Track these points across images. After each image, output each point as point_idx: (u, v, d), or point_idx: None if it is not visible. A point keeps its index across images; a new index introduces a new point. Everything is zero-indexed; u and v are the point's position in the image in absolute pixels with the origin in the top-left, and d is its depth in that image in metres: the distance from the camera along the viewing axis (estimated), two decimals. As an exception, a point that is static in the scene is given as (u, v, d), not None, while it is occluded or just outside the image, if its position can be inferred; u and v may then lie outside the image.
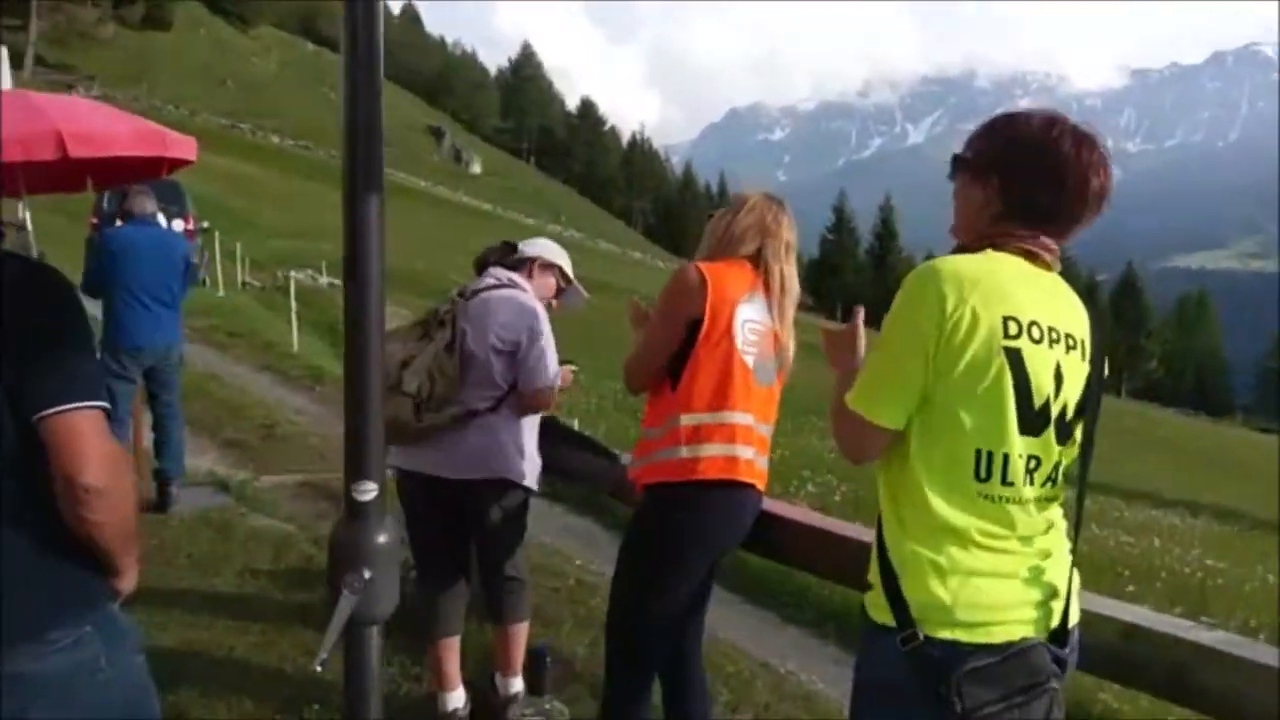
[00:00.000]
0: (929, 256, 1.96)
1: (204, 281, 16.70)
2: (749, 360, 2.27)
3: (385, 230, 1.24)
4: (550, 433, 3.06)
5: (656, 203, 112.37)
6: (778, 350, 2.34)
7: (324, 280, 19.89)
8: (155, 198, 5.51)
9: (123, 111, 5.51)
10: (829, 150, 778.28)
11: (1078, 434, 1.54)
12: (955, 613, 1.44)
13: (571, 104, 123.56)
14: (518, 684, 3.06)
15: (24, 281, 1.47)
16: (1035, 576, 1.50)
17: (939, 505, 1.47)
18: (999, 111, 1.67)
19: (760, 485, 2.34)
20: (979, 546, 1.47)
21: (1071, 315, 1.53)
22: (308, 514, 5.44)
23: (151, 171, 5.70)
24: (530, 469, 2.89)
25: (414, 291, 14.88)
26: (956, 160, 1.61)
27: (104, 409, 1.47)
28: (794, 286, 2.37)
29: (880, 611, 1.52)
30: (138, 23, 62.79)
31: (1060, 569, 1.53)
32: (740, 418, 2.25)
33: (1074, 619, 1.55)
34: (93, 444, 1.42)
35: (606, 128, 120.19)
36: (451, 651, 2.95)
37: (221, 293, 16.30)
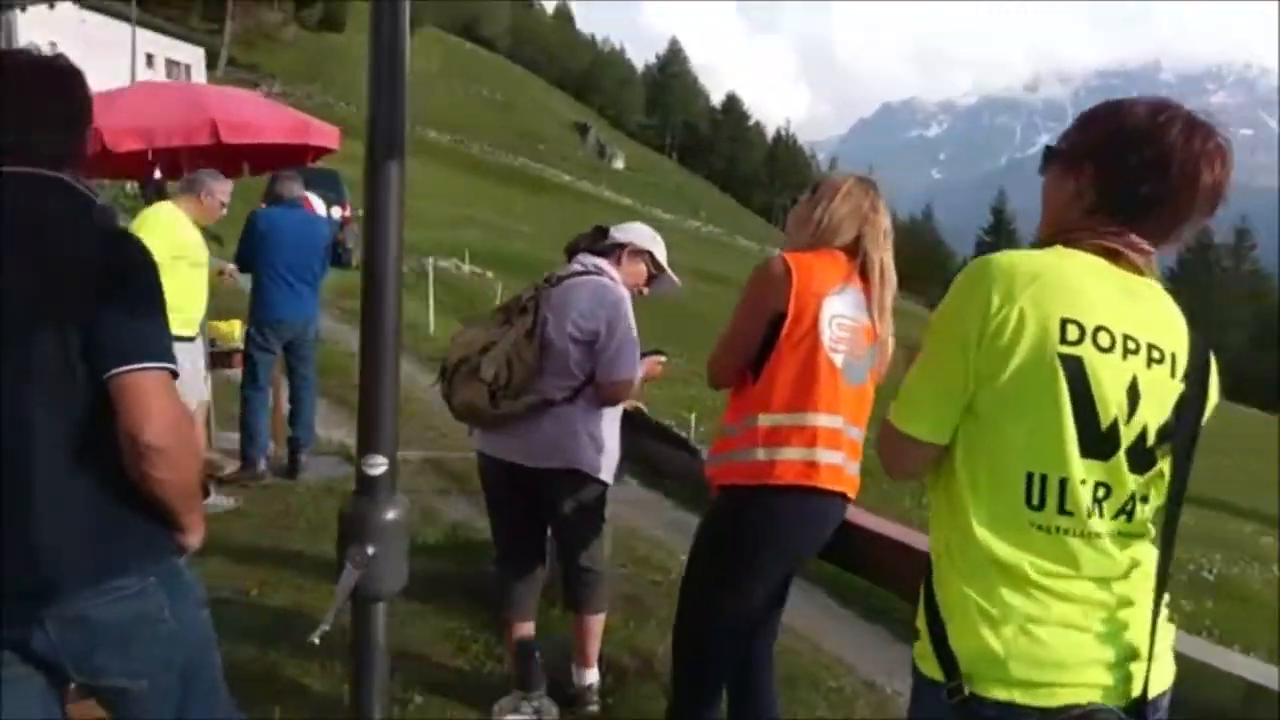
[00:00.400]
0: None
1: (356, 266, 17.67)
2: (837, 359, 2.13)
3: (404, 214, 1.23)
4: (631, 425, 3.04)
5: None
6: (873, 346, 2.20)
7: (466, 268, 20.69)
8: (305, 184, 5.78)
9: (273, 103, 5.92)
10: (990, 147, 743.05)
11: (1164, 464, 1.31)
12: (1010, 667, 1.25)
13: (717, 100, 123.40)
14: (592, 675, 3.05)
15: (106, 245, 1.55)
16: (1112, 630, 1.29)
17: (985, 536, 1.28)
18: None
19: (849, 492, 2.21)
20: (1037, 588, 1.27)
21: (1160, 324, 1.32)
22: (427, 489, 5.64)
23: (299, 158, 6.10)
24: (606, 461, 2.86)
25: (546, 281, 15.20)
26: (1048, 152, 1.42)
27: (171, 370, 1.51)
28: (893, 277, 2.24)
29: (927, 663, 1.35)
30: (315, 25, 67.22)
31: (1143, 621, 1.29)
32: (824, 420, 2.13)
33: (1160, 685, 1.31)
34: (157, 403, 1.47)
35: (751, 123, 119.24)
36: (527, 635, 2.97)
37: (371, 277, 17.16)
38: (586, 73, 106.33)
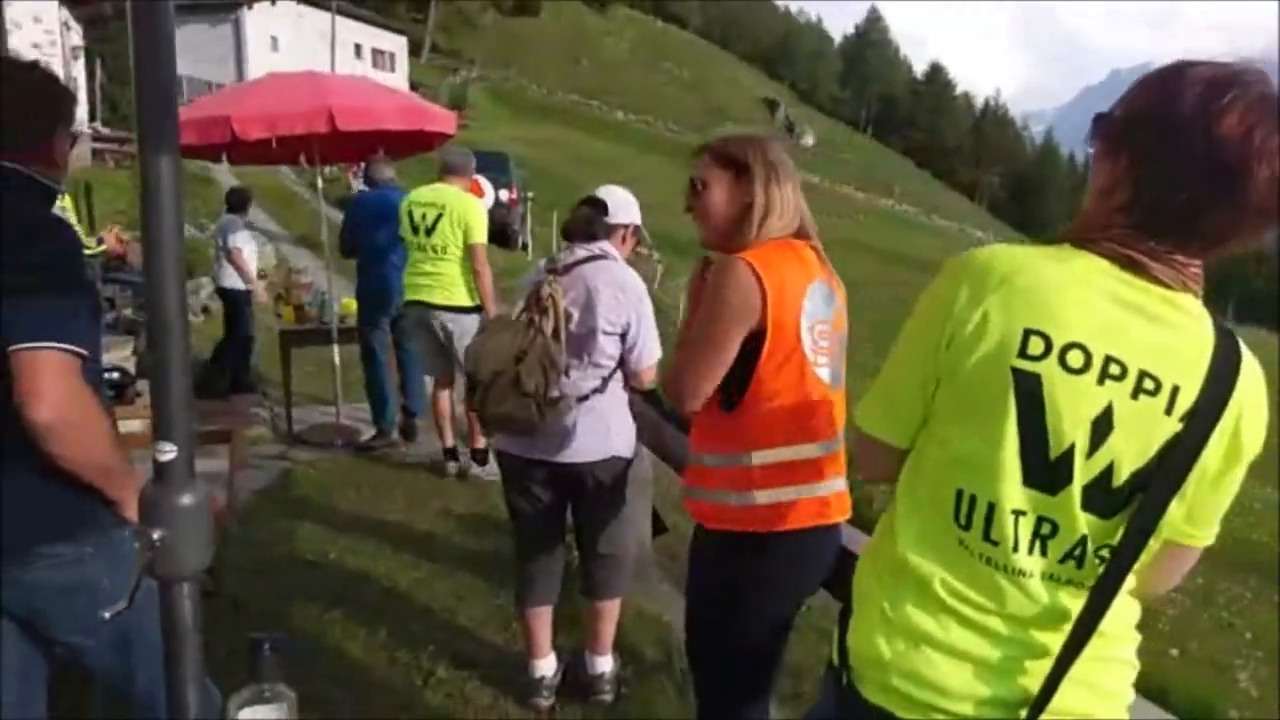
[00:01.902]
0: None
1: (523, 246, 18.36)
2: (823, 373, 1.87)
3: (181, 193, 1.21)
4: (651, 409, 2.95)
5: (1007, 176, 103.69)
6: (842, 336, 1.95)
7: (640, 249, 20.97)
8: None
9: (392, 90, 6.18)
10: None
11: (1135, 513, 1.12)
12: (891, 677, 1.20)
13: (919, 69, 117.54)
14: (606, 663, 3.02)
15: (21, 221, 1.64)
16: (1012, 672, 1.16)
17: (906, 543, 1.21)
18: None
19: (847, 513, 2.00)
20: (943, 609, 1.17)
21: (1168, 351, 1.09)
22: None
23: (425, 143, 6.36)
24: (631, 439, 2.86)
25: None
26: (1097, 120, 1.17)
27: (73, 351, 1.57)
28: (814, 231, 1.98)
29: (834, 646, 1.33)
30: (511, 9, 69.95)
31: (1056, 676, 1.13)
32: (827, 447, 1.91)
33: None
34: (49, 382, 1.53)
35: (956, 94, 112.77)
36: (543, 620, 2.98)
37: (531, 256, 17.80)
38: (778, 46, 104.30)
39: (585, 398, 2.74)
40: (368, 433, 5.88)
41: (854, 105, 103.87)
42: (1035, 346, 1.08)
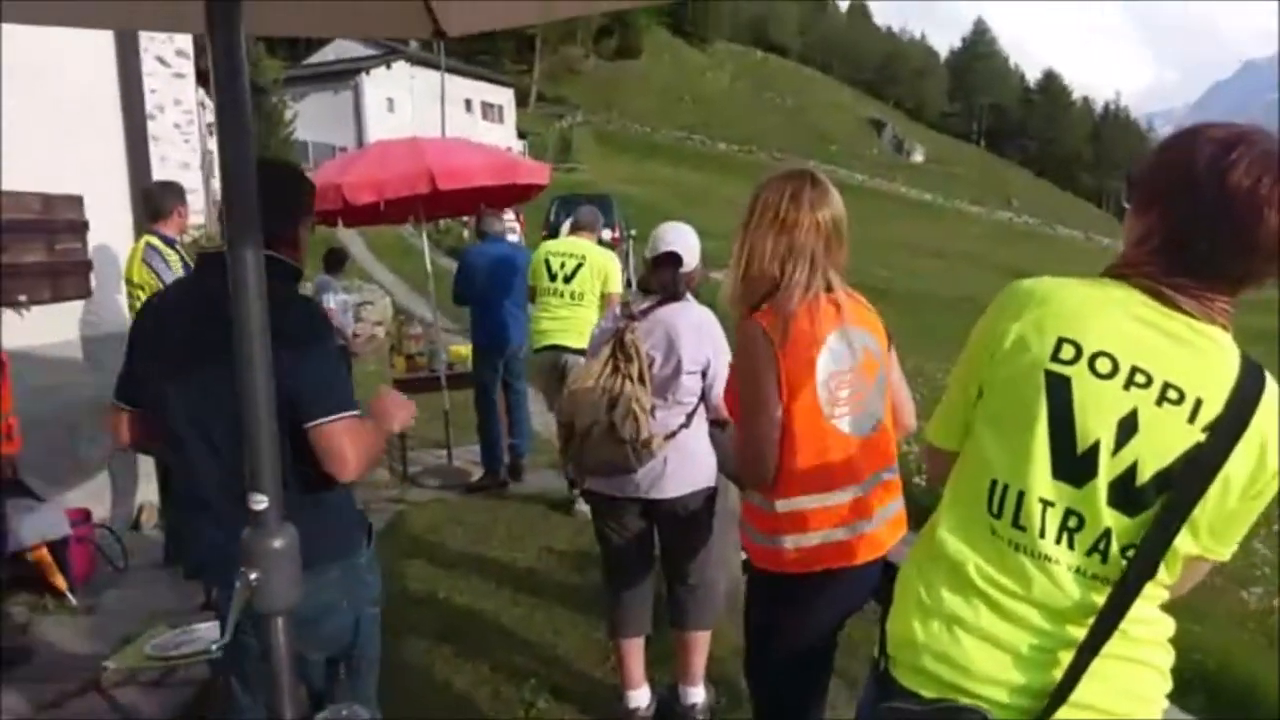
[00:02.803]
0: None
1: (628, 283, 18.65)
2: (842, 425, 1.95)
3: (262, 258, 1.38)
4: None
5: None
6: (879, 371, 2.01)
7: (739, 279, 21.01)
8: (501, 213, 6.27)
9: (486, 148, 6.55)
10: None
11: (1158, 511, 1.20)
12: (923, 659, 1.29)
13: (1032, 78, 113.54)
14: (698, 694, 3.08)
15: (282, 304, 1.90)
16: (1037, 661, 1.23)
17: (945, 531, 1.32)
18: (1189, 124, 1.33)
19: (888, 544, 2.04)
20: (976, 592, 1.27)
21: (1191, 367, 1.20)
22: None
23: (523, 194, 6.69)
24: (713, 470, 2.95)
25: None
26: (1127, 182, 1.34)
27: (355, 415, 1.85)
28: (842, 279, 1.98)
29: (876, 641, 1.44)
30: (612, 54, 71.83)
31: (1078, 668, 1.20)
32: (847, 494, 1.97)
33: None
34: (348, 447, 1.81)
35: (1073, 99, 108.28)
36: (635, 651, 3.07)
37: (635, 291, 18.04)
38: (881, 67, 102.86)
39: (673, 434, 2.85)
40: (478, 473, 6.15)
41: (964, 119, 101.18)
42: (1067, 352, 1.21)
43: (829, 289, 1.98)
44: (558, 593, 4.29)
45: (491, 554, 4.83)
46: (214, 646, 1.51)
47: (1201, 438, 1.17)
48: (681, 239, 2.97)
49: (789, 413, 1.93)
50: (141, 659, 2.49)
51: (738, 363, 2.03)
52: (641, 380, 2.76)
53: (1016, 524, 1.24)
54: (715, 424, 3.00)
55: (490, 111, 45.50)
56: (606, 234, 16.93)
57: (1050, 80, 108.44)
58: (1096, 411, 1.19)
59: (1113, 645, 1.20)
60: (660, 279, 2.92)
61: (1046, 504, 1.22)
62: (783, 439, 1.93)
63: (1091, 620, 1.21)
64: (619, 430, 2.70)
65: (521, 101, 53.54)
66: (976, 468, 1.30)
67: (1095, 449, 1.20)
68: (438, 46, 33.04)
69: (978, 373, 1.31)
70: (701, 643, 3.06)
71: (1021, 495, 1.23)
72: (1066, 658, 1.21)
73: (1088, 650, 1.20)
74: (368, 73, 37.04)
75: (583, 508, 5.40)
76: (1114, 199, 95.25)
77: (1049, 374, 1.21)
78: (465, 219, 23.44)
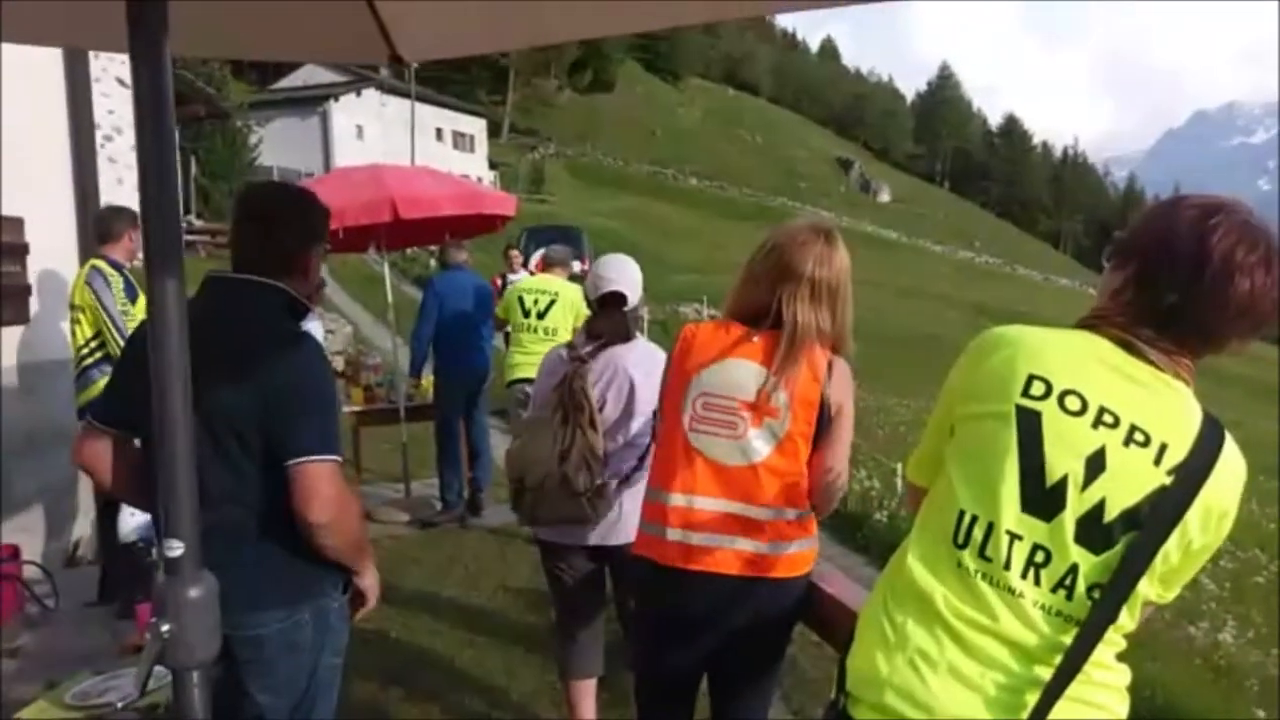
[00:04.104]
0: None
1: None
2: (696, 440, 2.02)
3: (184, 292, 1.30)
4: None
5: (1090, 223, 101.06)
6: (773, 421, 1.97)
7: (706, 312, 21.08)
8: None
9: (451, 178, 6.47)
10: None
11: (1123, 549, 1.21)
12: (885, 695, 1.26)
13: (995, 122, 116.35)
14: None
15: (281, 338, 1.85)
16: (1004, 701, 1.20)
17: (913, 562, 1.31)
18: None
19: (729, 571, 1.99)
20: (943, 626, 1.25)
21: (1156, 412, 1.22)
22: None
23: (489, 225, 6.62)
24: None
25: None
26: (1113, 239, 1.40)
27: (338, 460, 1.79)
28: (807, 334, 1.97)
29: (834, 681, 1.42)
30: (585, 87, 72.42)
31: (1042, 711, 1.18)
32: (678, 499, 2.03)
33: None
34: (324, 490, 1.74)
35: (1033, 144, 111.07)
36: (585, 693, 2.97)
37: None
38: (850, 107, 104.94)
39: (626, 478, 2.77)
40: (435, 508, 6.02)
41: (929, 161, 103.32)
42: (1038, 389, 1.24)
43: (791, 339, 1.97)
44: (513, 633, 4.17)
45: (447, 593, 4.70)
46: (119, 704, 1.39)
47: (1167, 480, 1.19)
48: (625, 275, 2.85)
49: (663, 408, 2.11)
50: (61, 708, 2.32)
51: None
52: (592, 426, 2.68)
53: (983, 555, 1.24)
54: None
55: (461, 141, 45.52)
56: (576, 266, 16.91)
57: (1012, 125, 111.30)
58: (1066, 447, 1.21)
59: (1075, 688, 1.19)
60: (611, 322, 2.81)
61: (1014, 537, 1.23)
62: (660, 428, 2.15)
63: (1056, 660, 1.20)
64: (572, 483, 2.63)
65: (494, 132, 53.68)
66: (945, 499, 1.31)
67: (1064, 484, 1.21)
68: (409, 74, 33.06)
69: (950, 412, 1.35)
70: None
71: (991, 527, 1.24)
72: (1031, 699, 1.19)
73: (1053, 692, 1.18)
74: (336, 99, 36.90)
75: None
76: (1071, 241, 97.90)
77: (1020, 408, 1.23)
78: (433, 249, 23.31)
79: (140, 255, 1.56)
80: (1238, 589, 7.22)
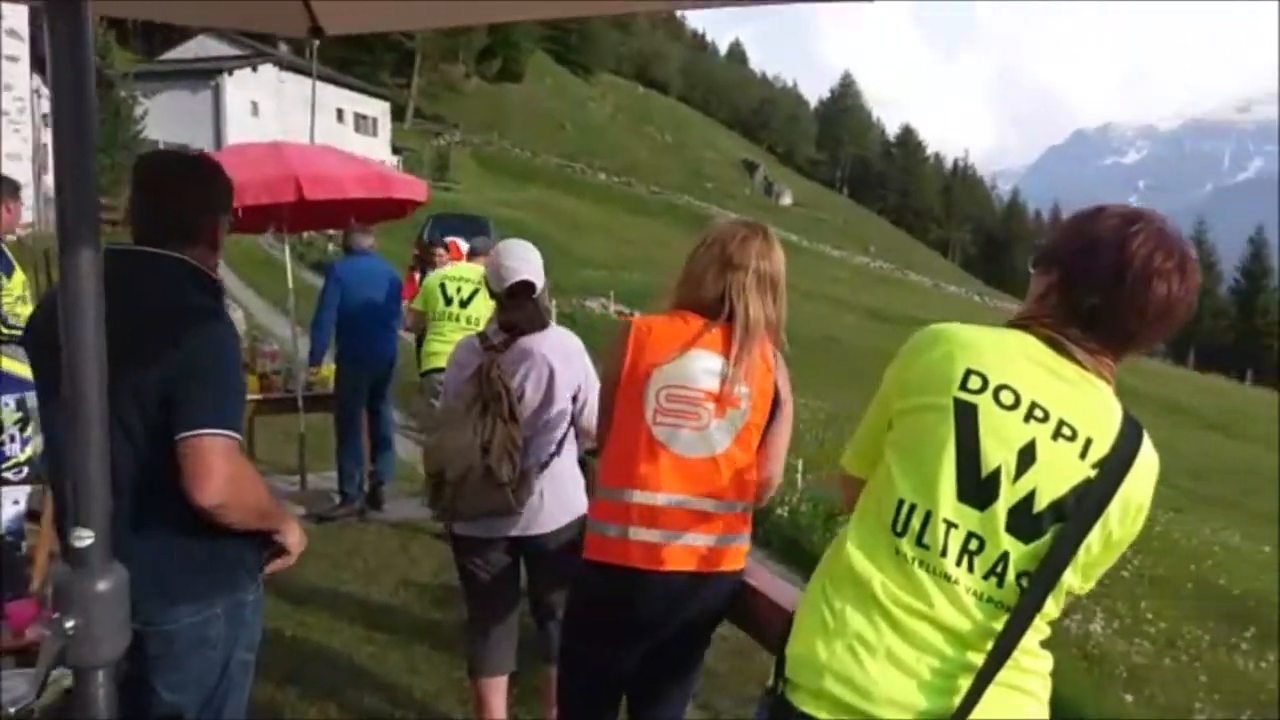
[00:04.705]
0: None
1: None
2: (660, 433, 2.01)
3: (101, 275, 1.24)
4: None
5: (977, 233, 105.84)
6: (736, 410, 2.01)
7: (613, 308, 21.10)
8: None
9: (359, 158, 6.27)
10: (1194, 174, 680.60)
11: (1051, 539, 1.27)
12: (824, 680, 1.29)
13: (893, 132, 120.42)
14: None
15: (184, 311, 1.74)
16: (938, 685, 1.25)
17: (852, 549, 1.35)
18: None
19: (687, 567, 2.01)
20: (881, 612, 1.29)
21: (1081, 409, 1.30)
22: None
23: (397, 210, 6.44)
24: (584, 496, 2.86)
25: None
26: (1039, 247, 1.48)
27: (234, 436, 1.68)
28: (759, 325, 2.03)
29: (772, 672, 1.43)
30: (494, 76, 71.25)
31: (975, 694, 1.23)
32: (641, 497, 2.00)
33: None
34: (216, 467, 1.64)
35: (927, 155, 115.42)
36: (496, 691, 2.93)
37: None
38: (756, 110, 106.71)
39: (545, 465, 2.75)
40: (334, 501, 5.84)
41: (830, 167, 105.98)
42: (974, 383, 1.30)
43: (745, 329, 2.01)
44: (416, 629, 4.09)
45: (346, 588, 4.57)
46: (13, 709, 1.31)
47: (1091, 473, 1.26)
48: (529, 264, 2.79)
49: (617, 404, 2.05)
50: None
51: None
52: (512, 417, 2.65)
53: (920, 542, 1.28)
54: (589, 453, 2.93)
55: (364, 123, 44.15)
56: (483, 257, 16.62)
57: (908, 136, 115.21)
58: (1000, 439, 1.27)
59: (1004, 674, 1.24)
60: (524, 313, 2.77)
61: (950, 525, 1.27)
62: (614, 425, 2.07)
63: (988, 645, 1.25)
64: (496, 474, 2.59)
65: (398, 116, 52.29)
66: (884, 489, 1.35)
67: (997, 474, 1.27)
68: (310, 52, 31.81)
69: (889, 406, 1.40)
70: None
71: (928, 515, 1.29)
72: (964, 683, 1.24)
73: (985, 677, 1.23)
74: (230, 73, 35.10)
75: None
76: (959, 250, 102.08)
77: (958, 401, 1.29)
78: (331, 233, 22.52)
79: (18, 227, 1.45)
80: (1106, 582, 7.71)
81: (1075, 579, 1.30)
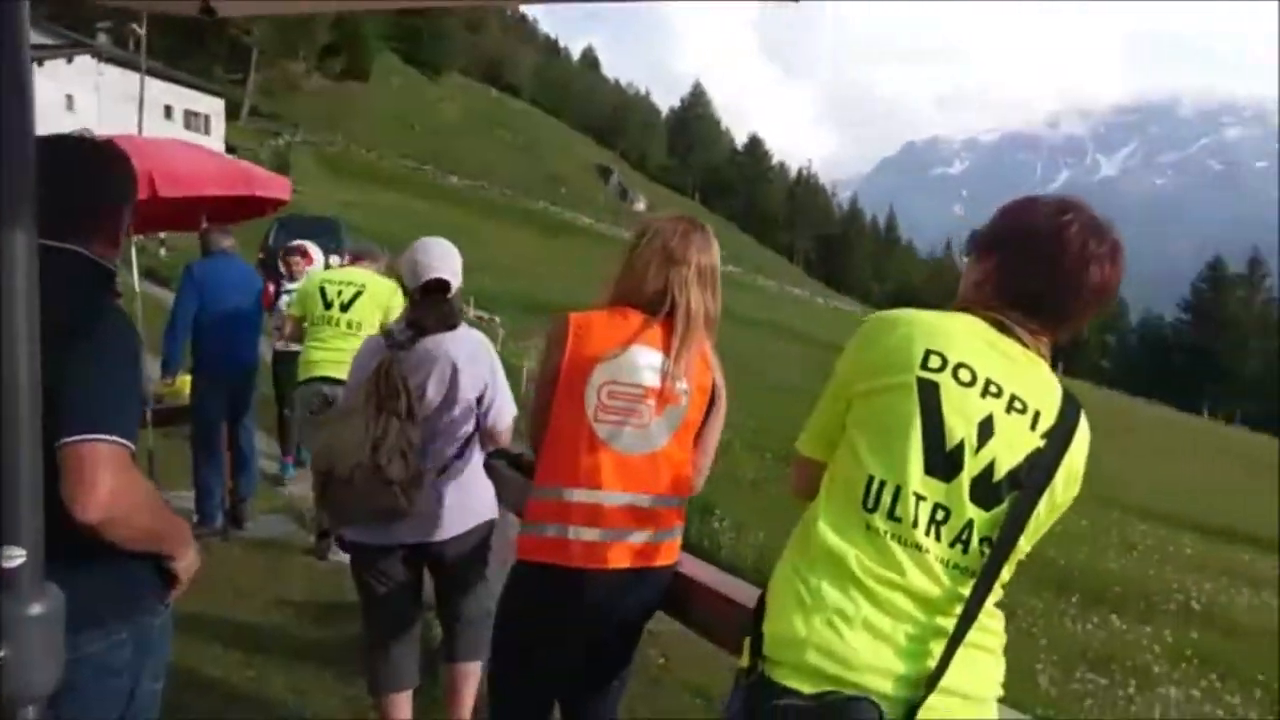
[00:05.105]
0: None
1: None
2: (602, 431, 1.97)
3: (35, 289, 1.12)
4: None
5: (819, 238, 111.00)
6: (674, 407, 2.01)
7: (472, 312, 20.77)
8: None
9: (217, 155, 5.91)
10: (1012, 184, 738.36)
11: (1009, 505, 1.36)
12: (805, 654, 1.32)
13: (739, 141, 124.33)
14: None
15: (79, 307, 1.56)
16: (913, 650, 1.31)
17: (824, 528, 1.39)
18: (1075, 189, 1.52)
19: (628, 564, 1.99)
20: (856, 585, 1.33)
21: (1029, 383, 1.40)
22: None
23: (257, 209, 6.09)
24: (491, 500, 2.81)
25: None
26: (973, 235, 1.56)
27: (124, 444, 1.48)
28: (699, 319, 2.03)
29: (744, 654, 1.44)
30: (338, 74, 68.66)
31: (948, 656, 1.29)
32: (582, 495, 1.97)
33: (936, 714, 1.29)
34: (100, 478, 1.44)
35: (773, 164, 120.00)
36: (403, 706, 2.83)
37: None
38: (610, 117, 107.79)
39: (445, 468, 2.67)
40: (192, 521, 5.46)
41: (681, 173, 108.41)
42: (934, 362, 1.37)
43: (687, 324, 2.01)
44: (297, 650, 3.88)
45: (216, 611, 4.26)
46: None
47: (1041, 443, 1.37)
48: (446, 263, 2.73)
49: (555, 401, 2.00)
50: None
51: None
52: (410, 415, 2.56)
53: (892, 516, 1.34)
54: (496, 454, 2.88)
55: (195, 121, 41.48)
56: (335, 260, 15.92)
57: (755, 145, 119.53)
58: (961, 413, 1.35)
59: (972, 635, 1.32)
60: (436, 312, 2.69)
61: (919, 498, 1.34)
62: (552, 423, 2.01)
63: (957, 610, 1.32)
64: (385, 471, 2.48)
65: (233, 114, 49.49)
66: (851, 468, 1.40)
67: (961, 447, 1.35)
68: (136, 44, 29.63)
69: (847, 389, 1.45)
70: (474, 675, 2.87)
71: (899, 489, 1.35)
72: (937, 646, 1.31)
73: (956, 639, 1.30)
74: (41, 64, 32.22)
75: (339, 555, 4.97)
76: (802, 255, 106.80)
77: (920, 380, 1.36)
78: (163, 235, 21.02)
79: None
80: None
81: (1024, 542, 1.38)
